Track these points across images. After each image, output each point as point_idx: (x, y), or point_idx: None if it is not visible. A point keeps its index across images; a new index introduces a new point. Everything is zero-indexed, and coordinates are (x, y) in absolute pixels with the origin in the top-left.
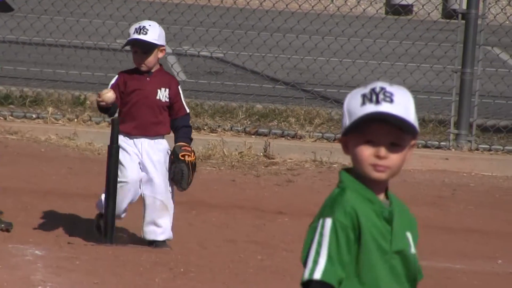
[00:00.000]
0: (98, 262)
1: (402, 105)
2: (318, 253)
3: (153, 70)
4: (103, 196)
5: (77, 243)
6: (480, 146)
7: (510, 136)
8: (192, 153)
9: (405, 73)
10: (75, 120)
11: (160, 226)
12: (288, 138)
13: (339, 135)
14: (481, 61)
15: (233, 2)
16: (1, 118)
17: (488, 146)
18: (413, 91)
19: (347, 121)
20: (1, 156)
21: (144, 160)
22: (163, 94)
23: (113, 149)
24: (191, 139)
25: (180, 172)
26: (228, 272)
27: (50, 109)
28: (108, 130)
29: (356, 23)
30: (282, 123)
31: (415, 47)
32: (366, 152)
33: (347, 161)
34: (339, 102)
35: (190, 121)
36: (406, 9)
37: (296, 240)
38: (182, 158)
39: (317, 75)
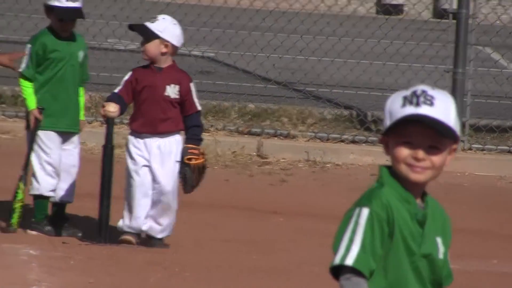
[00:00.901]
0: (93, 262)
1: (442, 108)
2: (351, 241)
3: (163, 66)
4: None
5: (71, 243)
6: (473, 146)
7: (503, 135)
8: (201, 155)
9: (397, 73)
10: None
11: (160, 225)
12: (281, 137)
13: (332, 135)
14: (473, 60)
15: (224, 2)
16: None
17: (481, 146)
18: None
19: (387, 122)
20: None
21: (152, 160)
22: (172, 91)
23: (108, 149)
24: (200, 139)
25: (183, 176)
26: (223, 271)
27: None
28: (100, 130)
29: (347, 23)
30: (275, 122)
31: (406, 46)
32: (404, 152)
33: (340, 160)
34: (331, 102)
35: (200, 119)
36: (397, 9)
37: (290, 240)
38: (187, 162)
39: (308, 75)
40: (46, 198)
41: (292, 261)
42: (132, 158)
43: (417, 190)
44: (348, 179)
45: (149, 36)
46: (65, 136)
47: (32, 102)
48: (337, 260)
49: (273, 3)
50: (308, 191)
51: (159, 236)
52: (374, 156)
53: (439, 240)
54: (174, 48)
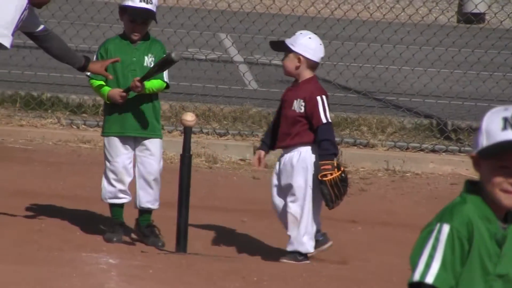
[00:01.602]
0: (171, 271)
1: None
2: (431, 257)
3: (300, 80)
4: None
5: (150, 252)
6: None
7: None
8: (335, 169)
9: (478, 82)
10: None
11: (289, 237)
12: (360, 147)
13: (412, 144)
14: None
15: (304, 11)
16: (74, 127)
17: None
18: (486, 99)
19: (484, 141)
20: (74, 165)
21: (279, 174)
22: (298, 105)
23: (186, 158)
24: (332, 153)
25: (322, 193)
26: (301, 281)
27: None
28: (180, 139)
29: (428, 32)
30: (354, 131)
31: (487, 55)
32: (500, 177)
33: (420, 169)
34: (411, 111)
35: (329, 132)
36: (478, 18)
37: (369, 249)
38: (321, 179)
39: (388, 84)
40: (118, 204)
41: (369, 270)
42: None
43: (503, 210)
44: (428, 188)
45: (284, 50)
46: (135, 142)
47: (105, 89)
48: (416, 276)
49: (354, 12)
50: (387, 200)
51: (288, 249)
52: (454, 165)
53: None
54: (310, 62)
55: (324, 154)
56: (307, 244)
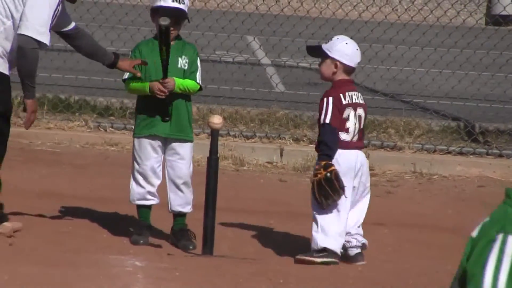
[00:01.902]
0: (198, 273)
1: None
2: (498, 270)
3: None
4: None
5: (177, 254)
6: None
7: None
8: (322, 169)
9: (506, 84)
10: None
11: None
12: (388, 149)
13: (440, 146)
14: None
15: (332, 14)
16: (102, 129)
17: None
18: None
19: None
20: (101, 167)
21: None
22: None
23: (213, 160)
24: (324, 154)
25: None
26: (328, 283)
27: None
28: (207, 142)
29: (456, 34)
30: (382, 134)
31: None
32: None
33: (447, 172)
34: (439, 113)
35: (324, 133)
36: (507, 20)
37: (396, 251)
38: (311, 178)
39: (416, 86)
40: (146, 206)
41: (396, 273)
42: None
43: None
44: (455, 191)
45: (320, 56)
46: (165, 144)
47: (144, 85)
48: None
49: (382, 14)
50: (414, 202)
51: (312, 247)
52: (481, 167)
53: None
54: (346, 67)
55: (319, 155)
56: (318, 240)
